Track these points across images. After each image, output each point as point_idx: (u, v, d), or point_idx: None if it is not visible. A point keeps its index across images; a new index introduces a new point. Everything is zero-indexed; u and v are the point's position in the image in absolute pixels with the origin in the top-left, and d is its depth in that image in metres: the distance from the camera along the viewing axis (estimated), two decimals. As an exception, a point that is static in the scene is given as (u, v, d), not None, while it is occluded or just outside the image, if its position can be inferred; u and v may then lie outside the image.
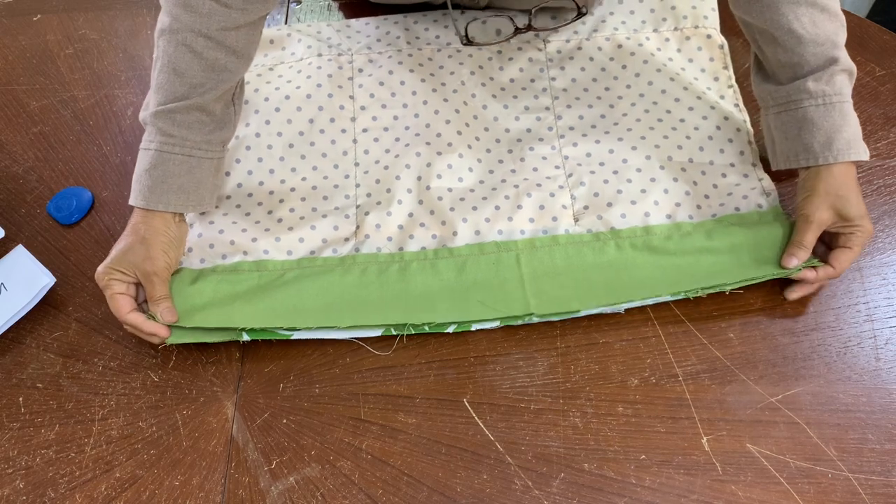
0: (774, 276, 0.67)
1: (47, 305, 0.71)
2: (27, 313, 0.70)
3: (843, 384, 0.64)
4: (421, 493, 0.61)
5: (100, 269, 0.66)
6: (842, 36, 0.67)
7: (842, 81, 0.66)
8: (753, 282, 0.67)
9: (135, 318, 0.66)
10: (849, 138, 0.66)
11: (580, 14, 0.77)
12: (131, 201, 0.68)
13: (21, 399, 0.67)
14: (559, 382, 0.65)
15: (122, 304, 0.66)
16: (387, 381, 0.66)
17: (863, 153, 0.66)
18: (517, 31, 0.78)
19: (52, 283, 0.70)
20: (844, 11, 0.88)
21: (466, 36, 0.77)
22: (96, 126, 0.85)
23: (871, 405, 0.63)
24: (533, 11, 0.77)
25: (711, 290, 0.67)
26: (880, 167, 0.76)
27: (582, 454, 0.62)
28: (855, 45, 0.85)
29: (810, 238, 0.66)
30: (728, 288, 0.67)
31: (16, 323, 0.69)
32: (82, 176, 0.81)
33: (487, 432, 0.63)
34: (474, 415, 0.64)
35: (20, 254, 0.72)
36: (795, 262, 0.66)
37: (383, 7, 0.90)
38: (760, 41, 0.70)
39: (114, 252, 0.67)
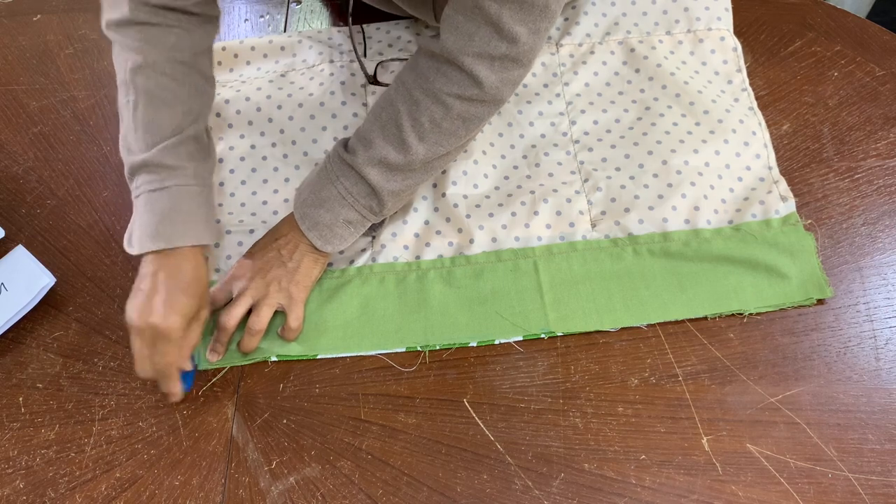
0: (787, 306, 0.68)
1: (47, 305, 0.71)
2: (27, 313, 0.70)
3: (843, 384, 0.64)
4: (421, 493, 0.61)
5: (173, 318, 0.61)
6: (387, 156, 0.64)
7: (338, 169, 0.66)
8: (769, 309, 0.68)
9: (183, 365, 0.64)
10: (306, 207, 0.67)
11: None
12: (163, 244, 0.62)
13: (21, 399, 0.67)
14: (559, 382, 0.65)
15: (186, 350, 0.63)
16: (387, 381, 0.66)
17: (303, 224, 0.67)
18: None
19: (53, 283, 0.70)
20: (845, 12, 0.89)
21: (375, 76, 0.79)
22: (96, 126, 0.85)
23: (871, 405, 0.63)
24: (378, 64, 0.79)
25: (728, 314, 0.68)
26: (880, 167, 0.76)
27: (582, 454, 0.62)
28: (855, 45, 0.85)
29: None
30: (746, 314, 0.68)
31: (16, 323, 0.69)
32: (82, 176, 0.81)
33: (487, 432, 0.63)
34: (474, 415, 0.64)
35: (20, 254, 0.72)
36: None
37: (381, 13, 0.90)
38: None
39: (180, 295, 0.62)
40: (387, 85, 0.81)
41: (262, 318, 0.66)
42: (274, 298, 0.66)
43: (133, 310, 0.62)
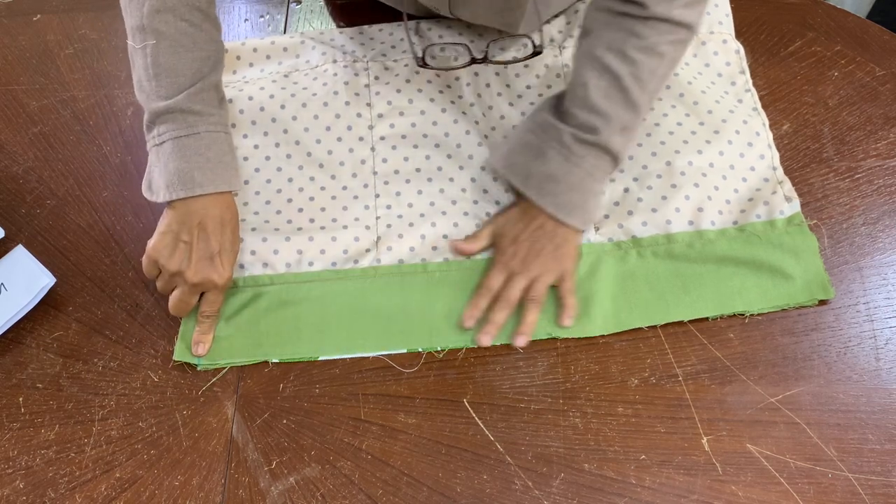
0: (790, 307, 0.68)
1: (47, 305, 0.71)
2: (27, 313, 0.70)
3: (843, 384, 0.64)
4: (421, 493, 0.61)
5: (229, 272, 0.67)
6: (624, 120, 0.68)
7: (583, 151, 0.68)
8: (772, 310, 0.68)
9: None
10: (557, 197, 0.68)
11: (536, 53, 0.77)
12: (199, 191, 0.65)
13: (21, 399, 0.67)
14: (559, 382, 0.65)
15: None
16: (387, 381, 0.66)
17: (560, 214, 0.68)
18: (473, 60, 0.79)
19: (52, 283, 0.70)
20: (845, 12, 0.89)
21: (423, 58, 0.79)
22: (96, 126, 0.85)
23: (871, 405, 0.63)
24: (489, 44, 0.79)
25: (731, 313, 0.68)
26: (880, 167, 0.76)
27: (582, 454, 0.62)
28: (855, 45, 0.85)
29: (481, 236, 0.72)
30: (748, 314, 0.68)
31: (16, 323, 0.69)
32: (82, 176, 0.81)
33: (487, 432, 0.63)
34: (474, 415, 0.64)
35: (20, 254, 0.72)
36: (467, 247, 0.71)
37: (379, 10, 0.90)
38: (573, 66, 0.72)
39: (228, 246, 0.67)
40: (436, 69, 0.82)
41: (539, 290, 0.68)
42: (551, 274, 0.68)
43: (182, 263, 0.66)
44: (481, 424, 0.64)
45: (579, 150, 0.68)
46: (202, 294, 0.68)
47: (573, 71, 0.71)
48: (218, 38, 0.70)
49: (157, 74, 0.66)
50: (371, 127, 0.79)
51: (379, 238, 0.73)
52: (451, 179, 0.76)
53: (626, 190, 0.74)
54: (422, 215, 0.74)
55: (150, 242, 0.66)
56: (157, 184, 0.67)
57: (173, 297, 0.67)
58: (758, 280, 0.68)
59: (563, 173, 0.68)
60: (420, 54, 0.79)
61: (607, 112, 0.67)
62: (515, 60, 0.81)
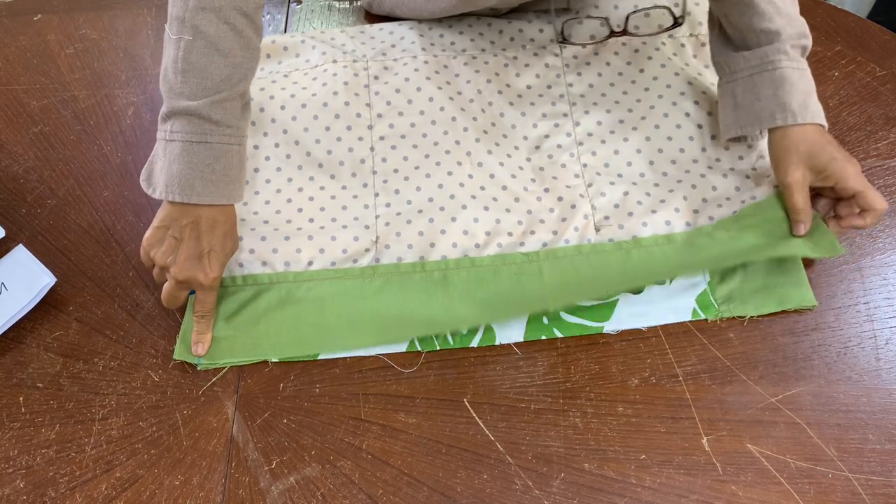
0: (799, 255, 0.68)
1: (48, 305, 0.71)
2: (28, 313, 0.70)
3: (843, 384, 0.64)
4: (421, 493, 0.61)
5: (217, 274, 0.67)
6: (802, 19, 0.71)
7: (804, 54, 0.71)
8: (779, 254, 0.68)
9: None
10: (817, 102, 0.69)
11: (677, 24, 0.76)
12: (196, 200, 0.65)
13: (21, 399, 0.67)
14: (559, 382, 0.65)
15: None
16: (387, 381, 0.66)
17: (824, 120, 0.69)
18: (612, 34, 0.78)
19: (53, 282, 0.70)
20: (845, 12, 0.89)
21: (562, 33, 0.77)
22: (96, 126, 0.85)
23: (871, 405, 0.63)
24: (628, 17, 0.78)
25: (736, 262, 0.69)
26: (880, 167, 0.76)
27: (582, 454, 0.62)
28: (855, 44, 0.85)
29: (800, 201, 0.68)
30: (747, 316, 0.68)
31: (16, 323, 0.69)
32: (82, 176, 0.81)
33: (487, 432, 0.63)
34: (474, 415, 0.64)
35: (20, 253, 0.72)
36: (803, 227, 0.68)
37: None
38: (733, 12, 0.71)
39: (218, 247, 0.67)
40: (577, 44, 0.83)
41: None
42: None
43: (170, 259, 0.66)
44: (481, 424, 0.64)
45: (801, 55, 0.70)
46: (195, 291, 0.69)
47: (744, 8, 0.70)
48: (256, 46, 0.68)
49: (186, 71, 0.64)
50: (370, 127, 0.80)
51: (378, 237, 0.73)
52: (450, 173, 0.76)
53: (626, 193, 0.74)
54: (420, 211, 0.74)
55: (146, 233, 0.67)
56: (156, 178, 0.67)
57: (163, 290, 0.68)
58: (761, 244, 0.69)
59: (807, 83, 0.69)
60: (559, 29, 0.78)
61: (796, 13, 0.70)
62: (659, 31, 0.80)
